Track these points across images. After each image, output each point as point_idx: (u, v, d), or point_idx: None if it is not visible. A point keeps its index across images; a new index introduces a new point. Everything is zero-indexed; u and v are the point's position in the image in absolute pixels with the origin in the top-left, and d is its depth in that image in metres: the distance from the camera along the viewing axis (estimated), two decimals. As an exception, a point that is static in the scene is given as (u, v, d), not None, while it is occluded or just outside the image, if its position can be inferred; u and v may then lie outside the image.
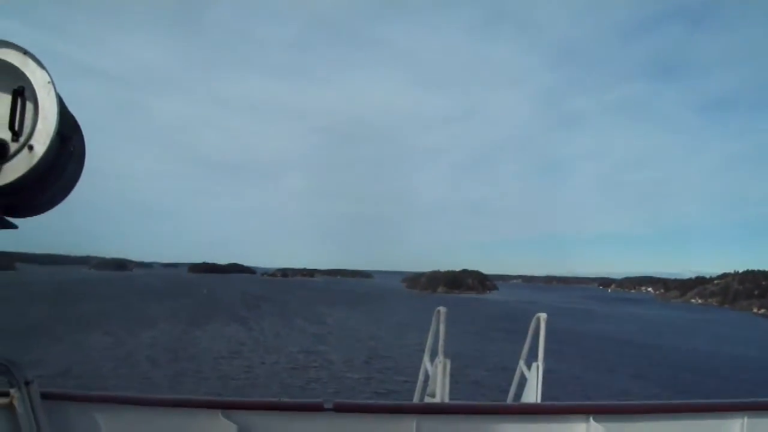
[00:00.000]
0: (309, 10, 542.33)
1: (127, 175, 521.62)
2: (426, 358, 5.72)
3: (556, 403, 4.42)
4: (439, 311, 5.52)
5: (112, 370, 39.96)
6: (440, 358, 5.27)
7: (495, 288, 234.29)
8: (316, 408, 3.84)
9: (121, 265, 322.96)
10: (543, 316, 5.47)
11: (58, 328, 57.95)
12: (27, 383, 3.15)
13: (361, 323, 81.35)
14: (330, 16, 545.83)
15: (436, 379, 5.27)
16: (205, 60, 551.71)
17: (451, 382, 5.30)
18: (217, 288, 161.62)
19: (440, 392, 5.18)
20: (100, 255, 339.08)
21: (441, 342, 5.32)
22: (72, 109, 2.62)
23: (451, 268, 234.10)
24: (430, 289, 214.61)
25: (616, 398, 32.61)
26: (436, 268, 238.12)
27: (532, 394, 5.17)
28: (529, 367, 5.43)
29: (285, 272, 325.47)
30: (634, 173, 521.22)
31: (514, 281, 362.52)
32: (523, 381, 5.51)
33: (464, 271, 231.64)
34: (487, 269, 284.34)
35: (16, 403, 3.07)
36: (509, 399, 5.53)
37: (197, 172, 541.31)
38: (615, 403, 5.06)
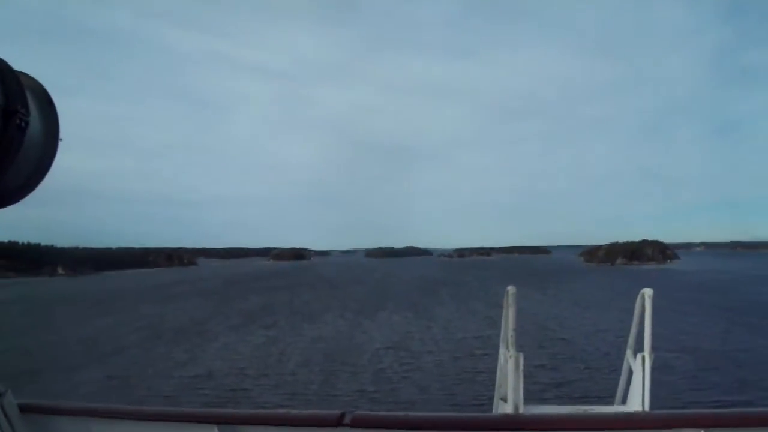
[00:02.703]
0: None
1: (302, 166, 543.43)
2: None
3: (656, 412, 3.91)
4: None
5: (244, 375, 36.99)
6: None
7: (677, 257, 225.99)
8: (331, 422, 3.40)
9: (299, 255, 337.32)
10: (648, 292, 4.63)
11: (214, 325, 56.58)
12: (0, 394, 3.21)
13: (537, 303, 76.39)
14: None
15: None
16: (365, 46, 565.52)
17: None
18: (392, 272, 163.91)
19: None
20: (280, 246, 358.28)
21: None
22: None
23: (629, 240, 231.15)
24: (608, 261, 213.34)
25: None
26: (614, 240, 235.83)
27: (638, 395, 4.44)
28: (635, 357, 4.62)
29: (461, 252, 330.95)
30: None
31: (697, 249, 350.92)
32: (630, 375, 4.74)
33: (643, 242, 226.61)
34: (667, 238, 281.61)
35: None
36: (617, 399, 4.92)
37: (369, 158, 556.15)
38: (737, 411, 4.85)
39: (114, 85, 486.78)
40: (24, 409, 3.45)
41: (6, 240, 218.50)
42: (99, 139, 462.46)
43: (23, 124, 2.23)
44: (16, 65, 2.12)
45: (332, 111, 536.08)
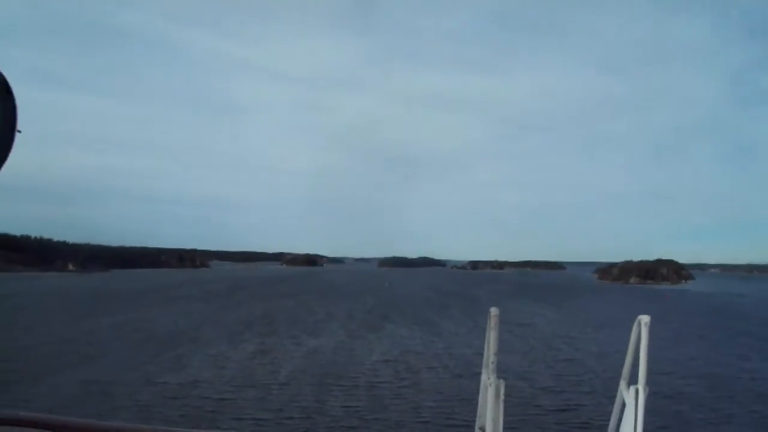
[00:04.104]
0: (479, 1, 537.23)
1: (318, 173, 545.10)
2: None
3: None
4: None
5: (230, 385, 35.41)
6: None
7: (691, 278, 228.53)
8: None
9: (311, 260, 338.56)
10: (645, 319, 3.99)
11: (209, 330, 56.43)
12: None
13: (548, 320, 76.00)
14: (502, 5, 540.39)
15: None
16: (381, 56, 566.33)
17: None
18: (402, 282, 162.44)
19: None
20: (293, 252, 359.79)
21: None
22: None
23: (644, 258, 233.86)
24: (622, 279, 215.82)
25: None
26: (629, 258, 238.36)
27: (629, 430, 4.00)
28: (629, 389, 4.15)
29: (475, 265, 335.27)
30: None
31: (712, 270, 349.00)
32: (623, 407, 4.23)
33: (658, 261, 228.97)
34: (681, 258, 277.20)
35: None
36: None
37: (384, 168, 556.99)
38: None
39: (133, 85, 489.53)
40: None
41: (19, 234, 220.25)
42: (119, 139, 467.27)
43: None
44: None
45: (348, 119, 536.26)
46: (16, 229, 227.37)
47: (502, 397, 4.10)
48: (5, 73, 2.28)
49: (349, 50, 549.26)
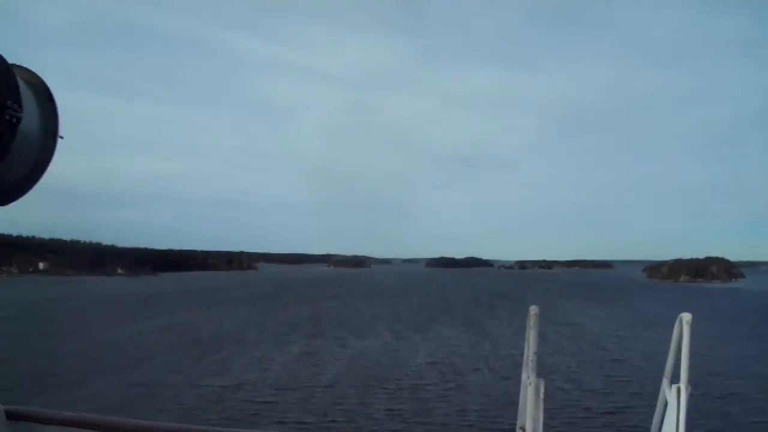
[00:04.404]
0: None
1: (366, 174, 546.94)
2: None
3: None
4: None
5: (273, 388, 35.26)
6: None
7: (742, 276, 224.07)
8: None
9: (359, 262, 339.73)
10: (687, 317, 3.98)
11: (254, 333, 56.88)
12: None
13: (597, 320, 75.15)
14: (551, 1, 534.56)
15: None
16: (428, 56, 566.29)
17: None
18: (449, 283, 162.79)
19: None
20: (341, 253, 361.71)
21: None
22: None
23: (694, 256, 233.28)
24: (671, 278, 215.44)
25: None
26: (678, 256, 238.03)
27: (672, 430, 3.96)
28: (671, 388, 4.10)
29: (523, 264, 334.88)
30: None
31: (764, 268, 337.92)
32: (666, 406, 4.20)
33: (708, 259, 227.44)
34: (732, 256, 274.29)
35: None
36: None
37: (430, 168, 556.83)
38: None
39: (179, 89, 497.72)
40: (11, 415, 3.34)
41: (68, 238, 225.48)
42: (167, 143, 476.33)
43: (14, 120, 2.17)
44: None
45: (394, 119, 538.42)
46: (66, 234, 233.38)
47: (542, 395, 4.08)
48: (47, 80, 2.36)
49: (396, 50, 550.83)
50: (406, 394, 34.34)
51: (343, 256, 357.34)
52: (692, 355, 4.12)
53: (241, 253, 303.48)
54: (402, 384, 36.85)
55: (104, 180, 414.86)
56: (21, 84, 2.23)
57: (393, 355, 47.01)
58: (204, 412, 29.57)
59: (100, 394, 32.66)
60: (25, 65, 2.34)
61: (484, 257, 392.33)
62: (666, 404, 4.32)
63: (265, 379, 37.67)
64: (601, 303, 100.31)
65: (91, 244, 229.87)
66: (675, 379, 4.19)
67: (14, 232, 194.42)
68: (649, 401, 30.11)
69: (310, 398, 33.11)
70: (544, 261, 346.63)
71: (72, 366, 40.40)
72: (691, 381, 3.91)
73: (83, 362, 41.98)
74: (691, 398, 3.88)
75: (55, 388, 33.87)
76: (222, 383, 36.05)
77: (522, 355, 4.11)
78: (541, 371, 4.10)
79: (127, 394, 32.97)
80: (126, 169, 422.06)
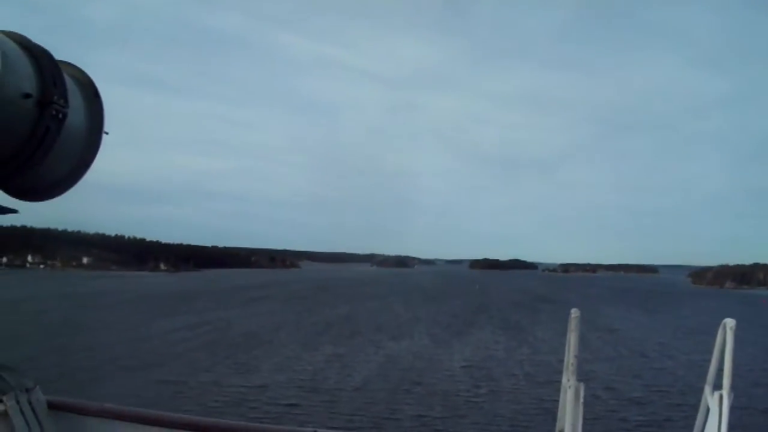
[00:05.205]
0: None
1: (410, 174, 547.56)
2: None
3: None
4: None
5: (301, 390, 34.85)
6: (725, 390, 3.90)
7: None
8: None
9: (402, 262, 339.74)
10: (730, 323, 3.94)
11: (287, 333, 57.02)
12: (27, 390, 3.14)
13: (640, 326, 74.26)
14: (597, 2, 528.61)
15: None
16: (474, 55, 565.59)
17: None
18: (492, 285, 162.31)
19: None
20: (384, 253, 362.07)
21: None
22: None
23: (740, 262, 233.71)
24: (717, 284, 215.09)
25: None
26: (724, 262, 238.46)
27: None
28: (713, 395, 4.09)
29: (566, 268, 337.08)
30: None
31: None
32: (708, 413, 4.19)
33: (755, 265, 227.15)
34: None
35: (10, 411, 3.02)
36: None
37: (476, 169, 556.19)
38: None
39: (228, 87, 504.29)
40: (52, 406, 3.36)
41: (113, 234, 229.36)
42: (214, 140, 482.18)
43: (60, 116, 2.26)
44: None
45: (437, 118, 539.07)
46: (110, 229, 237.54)
47: (581, 399, 4.06)
48: (93, 76, 2.46)
49: (442, 49, 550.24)
50: (437, 400, 33.62)
51: (387, 256, 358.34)
52: (735, 364, 3.96)
53: (285, 251, 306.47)
54: (434, 389, 36.14)
55: (150, 176, 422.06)
56: (68, 80, 2.29)
57: (428, 359, 46.38)
58: (220, 415, 29.15)
59: (125, 390, 32.49)
60: (72, 62, 2.41)
61: (528, 259, 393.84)
62: (708, 411, 4.21)
63: (292, 381, 37.36)
64: (644, 308, 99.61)
65: (135, 239, 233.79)
66: (718, 386, 4.07)
67: (60, 227, 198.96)
68: (689, 412, 28.92)
69: (336, 401, 32.63)
70: (589, 264, 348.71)
71: (102, 361, 40.63)
72: (734, 391, 3.77)
73: (114, 358, 42.20)
74: (734, 409, 3.69)
75: (85, 383, 33.88)
76: (247, 383, 35.94)
77: (562, 360, 3.94)
78: (581, 376, 4.00)
79: (152, 393, 32.79)
80: (172, 166, 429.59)
